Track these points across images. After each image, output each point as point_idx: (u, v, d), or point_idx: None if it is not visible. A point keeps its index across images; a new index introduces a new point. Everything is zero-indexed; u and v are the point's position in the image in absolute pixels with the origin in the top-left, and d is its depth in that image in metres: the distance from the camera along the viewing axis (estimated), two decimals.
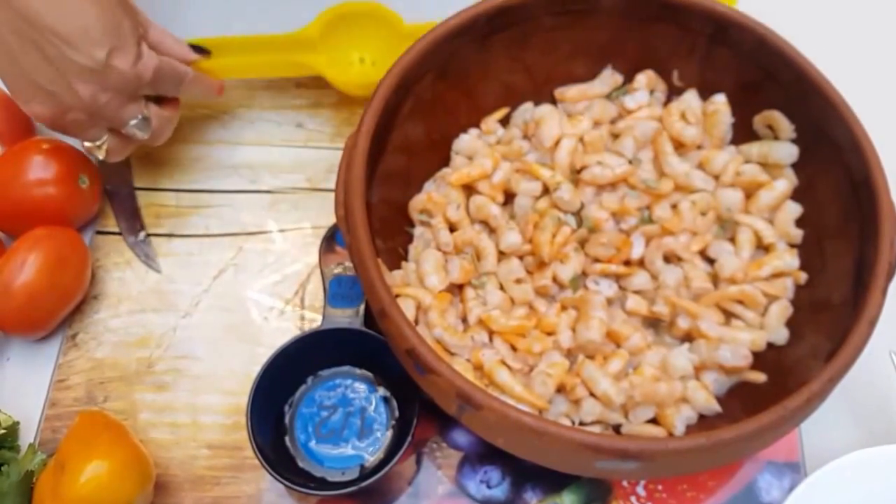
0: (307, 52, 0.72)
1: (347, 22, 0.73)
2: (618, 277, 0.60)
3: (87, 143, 0.64)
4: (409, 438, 0.57)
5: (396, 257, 0.62)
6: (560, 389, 0.56)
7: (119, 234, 0.71)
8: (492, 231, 0.61)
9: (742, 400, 0.57)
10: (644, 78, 0.65)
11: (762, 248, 0.61)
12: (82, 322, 0.67)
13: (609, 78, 0.66)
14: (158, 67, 0.63)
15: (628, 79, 0.66)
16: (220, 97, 0.72)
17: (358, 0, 0.73)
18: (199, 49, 0.69)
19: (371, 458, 0.60)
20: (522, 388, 0.55)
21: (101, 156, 0.65)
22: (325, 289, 0.64)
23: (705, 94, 0.64)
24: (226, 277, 0.69)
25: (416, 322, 0.57)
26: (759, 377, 0.57)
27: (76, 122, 0.61)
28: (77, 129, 0.63)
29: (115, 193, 0.72)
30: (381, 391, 0.62)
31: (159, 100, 0.66)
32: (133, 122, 0.63)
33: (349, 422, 0.61)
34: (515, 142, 0.64)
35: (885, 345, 0.58)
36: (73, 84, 0.59)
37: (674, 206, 0.61)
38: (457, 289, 0.60)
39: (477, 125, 0.66)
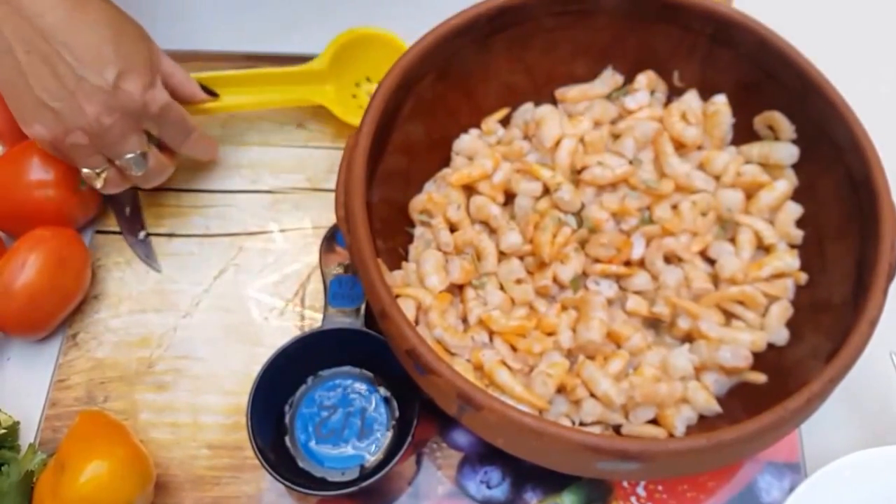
0: (315, 84, 0.73)
1: (355, 46, 0.73)
2: (618, 278, 0.60)
3: (85, 170, 0.63)
4: (410, 439, 0.57)
5: (397, 257, 0.62)
6: (560, 390, 0.56)
7: (119, 233, 0.71)
8: (492, 231, 0.61)
9: (742, 400, 0.57)
10: (644, 78, 0.65)
11: (763, 248, 0.61)
12: (82, 322, 0.67)
13: (610, 78, 0.66)
14: (167, 105, 0.62)
15: (629, 79, 0.66)
16: (213, 160, 0.73)
17: (362, 26, 0.74)
18: (207, 90, 0.69)
19: (371, 459, 0.60)
20: (523, 389, 0.55)
21: (98, 185, 0.64)
22: (325, 289, 0.64)
23: (706, 95, 0.64)
24: (226, 277, 0.69)
25: (417, 322, 0.57)
26: (760, 378, 0.57)
27: (77, 146, 0.60)
28: (77, 153, 0.61)
29: (115, 193, 0.71)
30: (382, 391, 0.62)
31: (160, 146, 0.66)
32: (130, 155, 0.62)
33: (349, 422, 0.61)
34: (516, 142, 0.64)
35: (886, 346, 0.58)
36: (79, 102, 0.58)
37: (674, 207, 0.61)
38: (457, 289, 0.60)
39: (477, 125, 0.66)
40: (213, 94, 0.70)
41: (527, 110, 0.66)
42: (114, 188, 0.65)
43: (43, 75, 0.57)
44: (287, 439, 0.61)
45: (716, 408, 0.56)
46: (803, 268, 0.59)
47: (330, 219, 0.70)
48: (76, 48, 0.57)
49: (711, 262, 0.60)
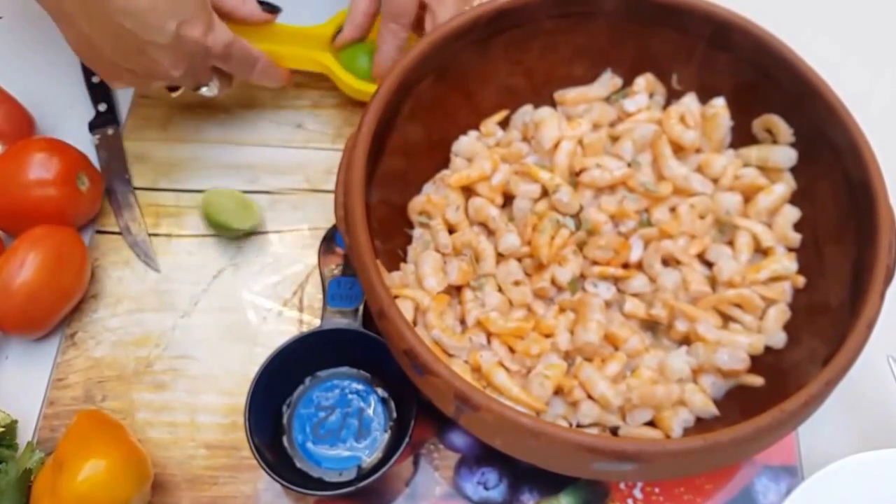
0: (321, 50, 0.72)
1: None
2: (616, 280, 0.60)
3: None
4: (407, 439, 0.57)
5: (395, 259, 0.62)
6: (558, 391, 0.56)
7: (119, 233, 0.71)
8: (490, 233, 0.62)
9: (740, 403, 0.57)
10: (643, 81, 0.65)
11: (760, 251, 0.61)
12: (81, 321, 0.67)
13: (608, 81, 0.66)
14: (229, 43, 0.64)
15: (628, 82, 0.66)
16: (285, 85, 0.73)
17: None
18: (269, 6, 0.69)
19: (368, 459, 0.60)
20: (520, 390, 0.55)
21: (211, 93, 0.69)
22: (323, 289, 0.64)
23: (704, 98, 0.64)
24: (224, 278, 0.69)
25: (415, 324, 0.57)
26: (757, 381, 0.57)
27: (158, 88, 0.67)
28: (161, 91, 0.69)
29: (114, 193, 0.72)
30: (379, 392, 0.62)
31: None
32: (205, 88, 0.68)
33: (347, 422, 0.61)
34: (515, 144, 0.64)
35: (883, 349, 0.59)
36: (149, 60, 0.61)
37: (672, 210, 0.61)
38: (455, 290, 0.60)
39: (476, 127, 0.66)
40: (275, 9, 0.70)
41: (526, 112, 0.66)
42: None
43: (109, 42, 0.60)
44: (284, 439, 0.61)
45: (713, 410, 0.56)
46: (801, 271, 0.59)
47: (328, 220, 0.70)
48: (133, 11, 0.58)
49: (709, 264, 0.60)
